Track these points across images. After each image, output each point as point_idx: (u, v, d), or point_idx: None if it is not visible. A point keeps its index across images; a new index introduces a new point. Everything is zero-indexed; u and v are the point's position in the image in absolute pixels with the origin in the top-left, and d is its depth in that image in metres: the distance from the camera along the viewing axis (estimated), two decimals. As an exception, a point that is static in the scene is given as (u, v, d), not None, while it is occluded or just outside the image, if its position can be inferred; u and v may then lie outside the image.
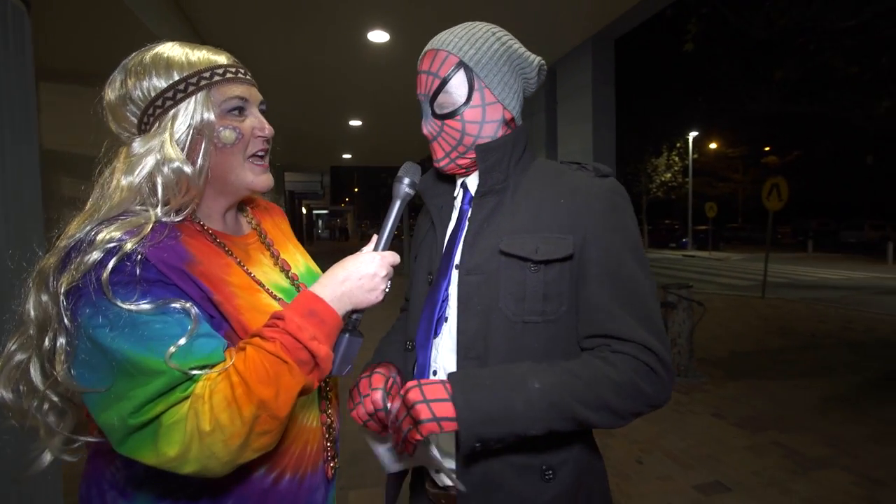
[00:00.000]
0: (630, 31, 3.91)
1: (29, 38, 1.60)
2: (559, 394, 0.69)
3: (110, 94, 0.71)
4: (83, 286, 0.59)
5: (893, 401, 3.63)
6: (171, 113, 0.69)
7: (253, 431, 0.59)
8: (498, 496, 0.76)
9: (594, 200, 0.78)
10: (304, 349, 0.63)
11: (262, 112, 0.79)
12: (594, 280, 0.76)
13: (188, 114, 0.69)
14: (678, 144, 23.70)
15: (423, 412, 0.69)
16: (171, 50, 0.71)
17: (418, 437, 0.69)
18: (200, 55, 0.72)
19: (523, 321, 0.76)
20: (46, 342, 0.62)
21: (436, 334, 0.84)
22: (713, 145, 26.91)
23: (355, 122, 7.19)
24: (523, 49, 0.85)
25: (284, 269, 0.84)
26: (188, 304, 0.62)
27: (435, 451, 0.75)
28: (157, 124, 0.69)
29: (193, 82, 0.69)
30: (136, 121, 0.70)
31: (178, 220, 0.70)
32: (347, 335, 0.73)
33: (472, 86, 0.81)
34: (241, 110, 0.74)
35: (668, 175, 23.96)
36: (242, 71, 0.76)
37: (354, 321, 0.75)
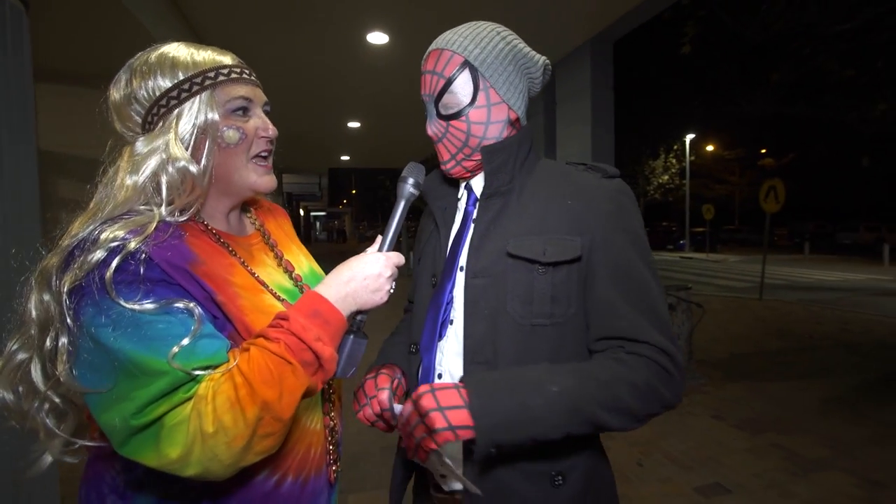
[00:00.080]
0: (628, 33, 3.93)
1: (27, 38, 1.59)
2: (578, 396, 0.68)
3: (115, 93, 0.71)
4: (86, 285, 0.58)
5: (892, 402, 3.64)
6: (176, 112, 0.68)
7: (256, 434, 0.58)
8: (508, 502, 0.75)
9: (602, 202, 0.77)
10: (308, 350, 0.63)
11: (267, 113, 0.79)
12: (604, 282, 0.75)
13: (192, 113, 0.69)
14: (675, 147, 23.81)
15: (438, 421, 0.66)
16: (177, 50, 0.71)
17: (433, 446, 0.67)
18: (206, 55, 0.72)
19: (531, 324, 0.75)
20: (48, 342, 0.61)
21: (440, 337, 0.84)
22: (710, 147, 27.06)
23: (354, 124, 7.19)
24: (528, 49, 0.85)
25: (288, 270, 0.83)
26: (192, 304, 0.61)
27: (448, 460, 0.72)
28: (161, 124, 0.69)
29: (198, 82, 0.69)
30: (140, 120, 0.70)
31: (182, 219, 0.69)
32: (352, 336, 0.72)
33: (478, 86, 0.80)
34: (245, 110, 0.74)
35: (666, 177, 24.07)
36: (247, 71, 0.76)
37: (359, 322, 0.74)
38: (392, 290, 0.75)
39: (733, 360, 4.82)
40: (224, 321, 0.66)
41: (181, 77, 0.69)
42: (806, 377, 4.24)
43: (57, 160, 2.89)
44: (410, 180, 0.80)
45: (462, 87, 0.80)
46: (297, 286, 0.82)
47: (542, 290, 0.75)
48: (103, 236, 0.60)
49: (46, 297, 0.61)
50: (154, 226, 0.63)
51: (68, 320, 0.59)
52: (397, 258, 0.76)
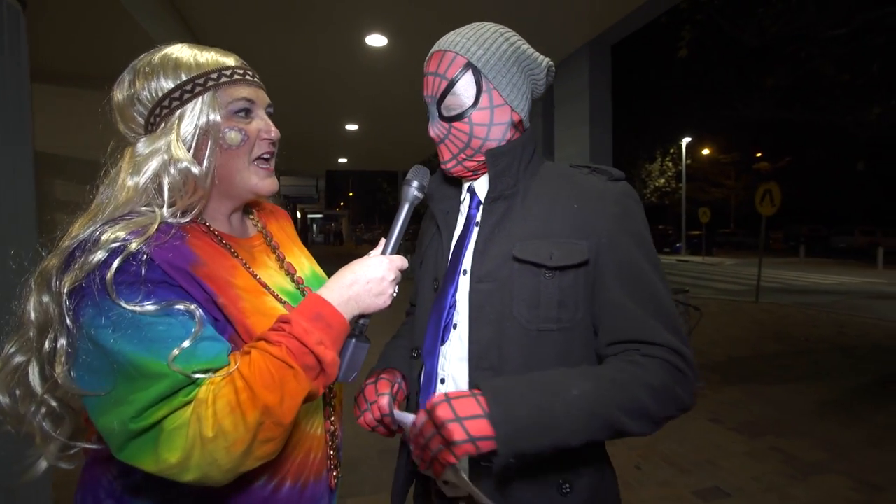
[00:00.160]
0: (627, 36, 3.95)
1: (24, 39, 1.58)
2: (596, 399, 0.66)
3: (119, 94, 0.70)
4: (87, 286, 0.57)
5: (888, 405, 3.65)
6: (178, 113, 0.68)
7: (256, 438, 0.57)
8: None
9: (608, 205, 0.77)
10: (310, 354, 0.62)
11: (270, 115, 0.78)
12: (613, 285, 0.74)
13: (194, 114, 0.68)
14: (672, 150, 23.91)
15: (457, 432, 0.62)
16: (180, 51, 0.71)
17: (452, 459, 0.63)
18: (209, 56, 0.72)
19: (538, 329, 0.75)
20: (47, 344, 0.60)
21: (443, 341, 0.83)
22: (706, 151, 27.19)
23: (352, 127, 7.19)
24: (532, 50, 0.84)
25: (290, 273, 0.83)
26: (192, 306, 0.60)
27: (464, 474, 0.66)
28: (163, 124, 0.68)
29: (200, 83, 0.69)
30: (143, 121, 0.70)
31: (184, 221, 0.69)
32: (354, 340, 0.71)
33: (481, 87, 0.80)
34: (247, 112, 0.73)
35: (662, 180, 24.17)
36: (250, 73, 0.75)
37: (361, 326, 0.73)
38: (395, 294, 0.75)
39: (731, 363, 4.83)
40: (225, 323, 0.66)
41: (184, 78, 0.68)
42: (803, 380, 4.25)
43: (54, 161, 2.88)
44: (415, 183, 0.79)
45: (465, 88, 0.80)
46: (298, 288, 0.81)
47: (549, 295, 0.75)
48: (104, 237, 0.59)
49: (46, 298, 0.60)
50: (156, 227, 0.63)
51: (68, 321, 0.58)
52: (401, 262, 0.75)
